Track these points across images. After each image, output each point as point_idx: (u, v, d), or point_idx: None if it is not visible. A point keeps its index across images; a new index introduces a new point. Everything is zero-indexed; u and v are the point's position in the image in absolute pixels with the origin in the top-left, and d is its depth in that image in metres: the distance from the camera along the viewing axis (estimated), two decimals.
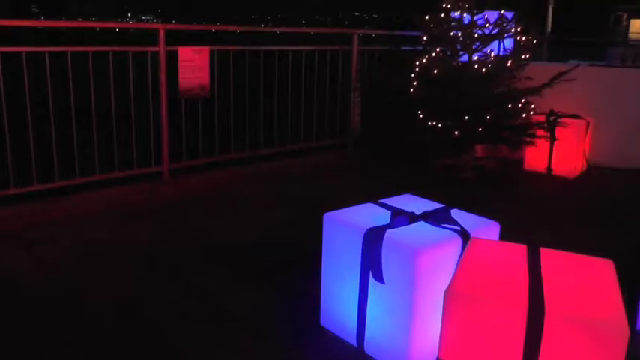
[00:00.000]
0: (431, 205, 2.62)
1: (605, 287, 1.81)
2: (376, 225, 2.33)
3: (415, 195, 2.82)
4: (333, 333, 2.59)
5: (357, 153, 6.15)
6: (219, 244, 3.68)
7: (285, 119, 5.67)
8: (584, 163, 5.73)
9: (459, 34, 5.42)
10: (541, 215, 4.51)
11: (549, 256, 2.00)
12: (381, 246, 2.25)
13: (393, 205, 2.57)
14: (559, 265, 1.95)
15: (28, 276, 3.16)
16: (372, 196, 2.73)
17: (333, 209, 2.59)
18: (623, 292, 1.77)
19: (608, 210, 4.68)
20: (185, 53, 4.66)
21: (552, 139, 5.52)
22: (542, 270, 1.89)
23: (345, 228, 2.44)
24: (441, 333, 1.80)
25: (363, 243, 2.32)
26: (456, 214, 2.51)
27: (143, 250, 3.55)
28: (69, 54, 4.19)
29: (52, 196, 4.20)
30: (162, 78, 4.58)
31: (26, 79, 3.96)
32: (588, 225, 4.29)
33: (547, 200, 4.96)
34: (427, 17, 5.53)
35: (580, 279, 1.87)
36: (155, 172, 4.76)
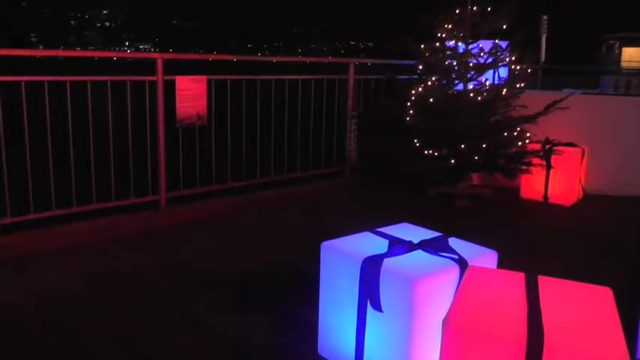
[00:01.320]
0: (428, 234, 2.62)
1: (604, 316, 1.81)
2: (374, 254, 2.33)
3: (412, 223, 2.82)
4: None
5: (354, 181, 6.16)
6: (216, 272, 3.67)
7: (282, 147, 5.68)
8: (581, 190, 5.75)
9: (454, 63, 5.48)
10: (539, 243, 4.51)
11: (547, 285, 1.99)
12: (378, 274, 2.25)
13: (391, 234, 2.57)
14: (557, 293, 1.94)
15: (22, 305, 3.13)
16: (369, 225, 2.73)
17: (330, 238, 2.58)
18: (622, 321, 1.76)
19: (605, 237, 4.68)
20: (183, 82, 4.69)
21: (548, 167, 5.54)
22: (541, 299, 1.88)
23: (342, 257, 2.44)
24: None
25: (361, 271, 2.31)
26: (453, 242, 2.51)
27: (140, 280, 3.53)
28: (67, 83, 4.21)
29: (48, 225, 4.18)
30: (160, 107, 4.60)
31: (25, 107, 3.98)
32: (586, 253, 4.29)
33: (544, 228, 4.96)
34: (422, 46, 5.59)
35: (579, 308, 1.86)
36: (152, 200, 4.75)
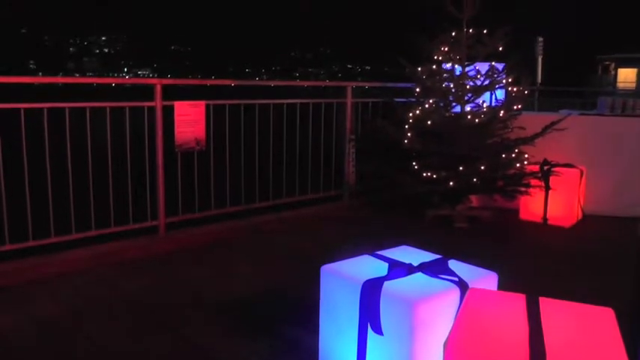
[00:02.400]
0: (428, 256, 2.62)
1: (606, 337, 1.80)
2: (373, 277, 2.32)
3: (412, 246, 2.82)
4: None
5: (353, 204, 6.16)
6: (216, 297, 3.65)
7: (281, 171, 5.69)
8: (580, 211, 5.74)
9: (451, 86, 5.51)
10: (539, 264, 4.50)
11: (549, 306, 1.99)
12: (379, 297, 2.24)
13: (390, 257, 2.57)
14: (559, 315, 1.94)
15: (21, 333, 3.11)
16: (368, 248, 2.73)
17: (329, 261, 2.58)
18: (624, 342, 1.75)
19: (605, 258, 4.67)
20: (181, 107, 4.71)
21: (547, 188, 5.54)
22: (542, 320, 1.87)
23: (342, 280, 2.43)
24: None
25: (361, 295, 2.30)
26: (453, 264, 2.50)
27: (139, 306, 3.51)
28: (67, 109, 4.23)
29: (47, 252, 4.17)
30: (159, 132, 4.61)
31: (23, 134, 3.99)
32: (587, 274, 4.28)
33: (544, 249, 4.95)
34: (419, 69, 5.63)
35: (581, 329, 1.85)
36: (151, 226, 4.74)
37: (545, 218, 5.61)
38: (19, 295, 3.63)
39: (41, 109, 4.11)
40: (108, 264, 4.23)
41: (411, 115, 5.53)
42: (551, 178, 5.52)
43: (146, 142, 4.65)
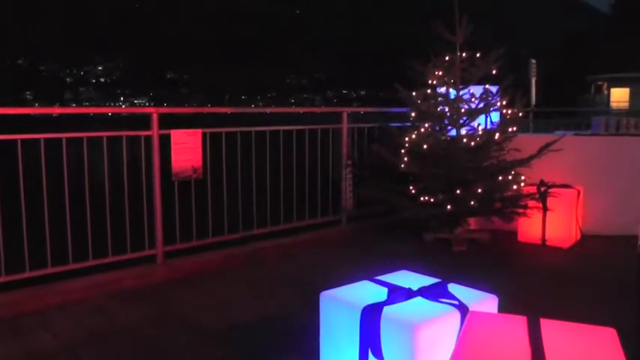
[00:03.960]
0: (427, 280, 2.61)
1: (609, 358, 1.79)
2: (373, 302, 2.31)
3: (411, 270, 2.81)
4: None
5: (351, 229, 6.15)
6: (215, 325, 3.62)
7: (278, 197, 5.69)
8: (578, 232, 5.74)
9: (446, 109, 5.54)
10: (539, 286, 4.48)
11: (550, 327, 1.98)
12: (379, 322, 2.23)
13: (390, 282, 2.56)
14: (561, 336, 1.93)
15: None
16: (367, 273, 2.72)
17: (329, 287, 2.57)
18: None
19: (605, 278, 4.65)
20: (178, 135, 4.72)
21: (544, 209, 5.54)
22: (544, 342, 1.86)
23: (342, 306, 2.42)
24: None
25: (361, 320, 2.29)
26: (453, 288, 2.50)
27: (137, 335, 3.48)
28: (64, 139, 4.23)
29: (43, 282, 4.14)
30: (156, 161, 4.62)
31: (20, 165, 3.99)
32: (587, 294, 4.26)
33: (544, 271, 4.94)
34: (414, 93, 5.66)
35: (583, 350, 1.84)
36: (149, 254, 4.72)
37: (543, 239, 5.60)
38: (15, 327, 3.60)
39: (38, 139, 4.12)
40: (106, 294, 4.20)
41: (407, 139, 5.54)
42: (548, 199, 5.53)
43: (143, 170, 4.66)
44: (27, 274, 4.05)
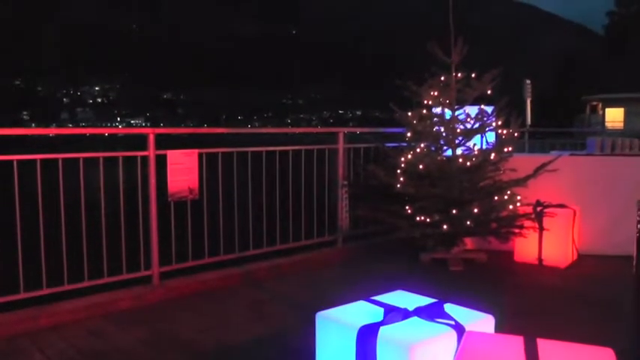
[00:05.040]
0: (423, 300, 2.61)
1: None
2: (369, 322, 2.31)
3: (407, 290, 2.80)
4: None
5: (347, 249, 6.14)
6: (211, 347, 3.60)
7: (274, 218, 5.68)
8: (575, 251, 5.74)
9: (442, 130, 5.56)
10: (536, 306, 4.47)
11: (547, 347, 1.97)
12: (375, 343, 2.22)
13: (386, 302, 2.55)
14: (558, 356, 1.92)
15: None
16: (363, 293, 2.72)
17: (325, 307, 2.56)
18: None
19: (602, 298, 4.65)
20: (174, 156, 4.73)
21: (541, 229, 5.54)
22: None
23: (338, 326, 2.41)
24: None
25: (357, 340, 2.28)
26: (449, 308, 2.49)
27: (133, 357, 3.46)
28: (60, 160, 4.23)
29: (38, 304, 4.11)
30: (152, 181, 4.62)
31: (16, 186, 3.98)
32: (584, 314, 4.25)
33: (540, 291, 4.93)
34: (410, 114, 5.68)
35: None
36: (145, 275, 4.70)
37: (540, 259, 5.60)
38: (9, 348, 3.57)
39: (34, 160, 4.12)
40: (101, 315, 4.17)
41: (402, 159, 5.55)
42: (544, 218, 5.53)
43: (139, 191, 4.65)
44: (21, 296, 4.03)
